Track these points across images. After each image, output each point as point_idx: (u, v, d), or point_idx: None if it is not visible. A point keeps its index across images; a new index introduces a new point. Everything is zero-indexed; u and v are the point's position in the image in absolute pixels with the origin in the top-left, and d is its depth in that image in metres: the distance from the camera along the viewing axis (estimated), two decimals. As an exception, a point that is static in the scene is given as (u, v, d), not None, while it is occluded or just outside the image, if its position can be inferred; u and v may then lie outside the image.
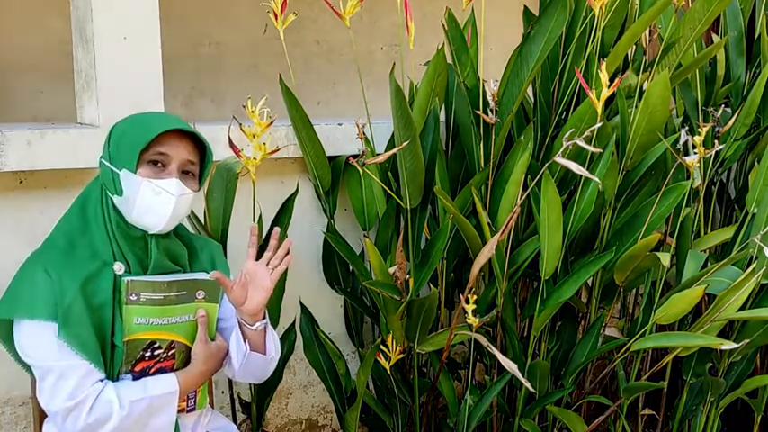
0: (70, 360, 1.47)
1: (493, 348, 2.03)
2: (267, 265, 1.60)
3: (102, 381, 1.51)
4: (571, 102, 2.30)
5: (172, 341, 1.58)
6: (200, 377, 1.61)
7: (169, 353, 1.58)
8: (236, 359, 1.63)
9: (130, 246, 1.56)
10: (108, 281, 1.52)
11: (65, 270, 1.49)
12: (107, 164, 1.54)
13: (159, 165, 1.53)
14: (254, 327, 1.60)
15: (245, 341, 1.61)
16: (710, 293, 2.15)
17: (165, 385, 1.56)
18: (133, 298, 1.52)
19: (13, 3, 3.12)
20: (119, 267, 1.54)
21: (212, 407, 1.83)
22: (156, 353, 1.56)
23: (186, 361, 1.61)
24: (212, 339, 1.63)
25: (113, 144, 1.55)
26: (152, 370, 1.57)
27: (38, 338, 1.48)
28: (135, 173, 1.51)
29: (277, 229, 1.64)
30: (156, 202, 1.52)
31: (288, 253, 1.63)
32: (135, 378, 1.55)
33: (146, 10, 2.03)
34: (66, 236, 1.55)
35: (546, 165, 1.98)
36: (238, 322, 1.61)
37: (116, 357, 1.53)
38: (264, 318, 1.62)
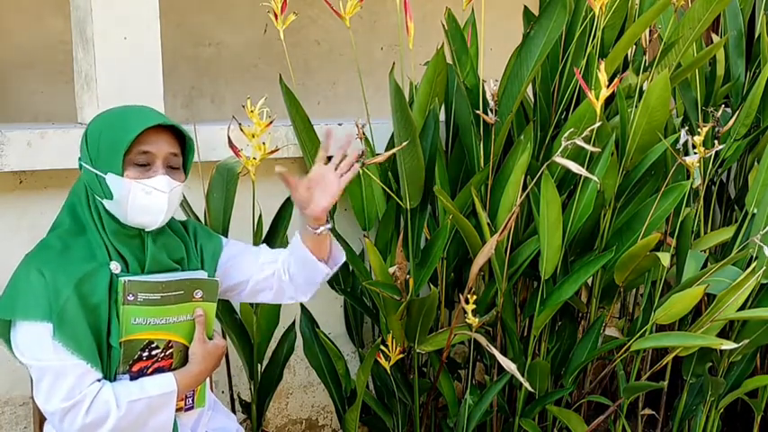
0: (67, 360, 1.47)
1: (492, 348, 2.03)
2: (336, 170, 1.61)
3: (99, 381, 1.50)
4: (571, 102, 2.30)
5: (169, 341, 1.57)
6: (199, 376, 1.61)
7: (167, 352, 1.57)
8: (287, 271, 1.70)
9: (127, 245, 1.55)
10: (104, 280, 1.51)
11: (59, 270, 1.48)
12: (90, 168, 1.52)
13: (144, 163, 1.52)
14: (318, 230, 1.64)
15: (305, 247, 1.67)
16: (710, 293, 2.15)
17: (163, 385, 1.55)
18: (131, 298, 1.51)
19: (13, 3, 3.12)
20: (115, 266, 1.53)
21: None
22: (153, 353, 1.56)
23: (184, 360, 1.60)
24: (210, 338, 1.62)
25: (92, 146, 1.53)
26: (150, 370, 1.56)
27: (34, 339, 1.48)
28: (121, 176, 1.50)
29: (351, 135, 1.65)
30: (149, 201, 1.52)
31: (358, 161, 1.66)
32: (132, 378, 1.54)
33: (146, 10, 2.03)
34: (60, 238, 1.54)
35: (545, 164, 1.98)
36: (300, 232, 1.67)
37: (113, 357, 1.52)
38: (328, 222, 1.66)
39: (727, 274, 2.11)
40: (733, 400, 2.43)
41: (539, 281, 2.21)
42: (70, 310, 1.47)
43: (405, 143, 2.05)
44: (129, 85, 2.02)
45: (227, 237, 2.08)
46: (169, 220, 1.63)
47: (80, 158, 1.57)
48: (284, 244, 2.18)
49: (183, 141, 1.59)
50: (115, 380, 1.53)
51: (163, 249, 1.59)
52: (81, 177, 1.58)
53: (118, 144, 1.49)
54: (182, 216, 1.99)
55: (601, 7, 2.07)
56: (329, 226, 1.66)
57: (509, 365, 1.98)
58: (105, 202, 1.53)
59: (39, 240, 1.59)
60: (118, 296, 1.51)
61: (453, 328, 2.11)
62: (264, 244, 1.84)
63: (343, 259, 1.75)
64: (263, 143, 2.02)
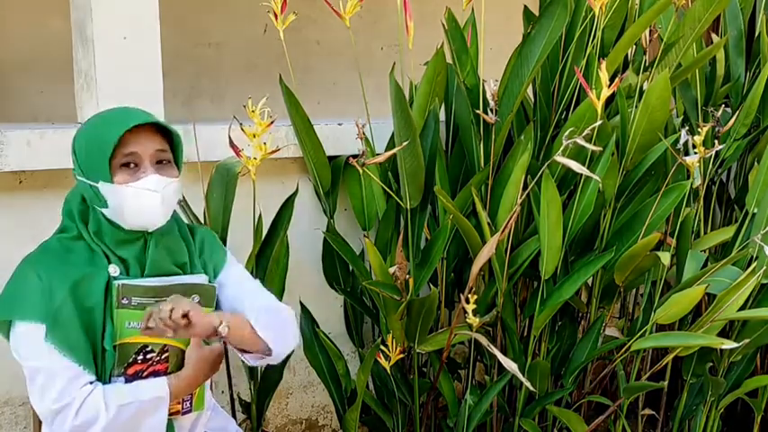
0: (58, 362, 1.47)
1: (493, 348, 2.03)
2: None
3: (91, 383, 1.50)
4: (571, 101, 2.30)
5: (165, 345, 1.56)
6: (194, 382, 1.59)
7: (162, 356, 1.56)
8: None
9: (129, 248, 1.55)
10: (101, 283, 1.51)
11: (56, 272, 1.48)
12: (82, 179, 1.52)
13: (132, 165, 1.51)
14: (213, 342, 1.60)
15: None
16: (710, 293, 2.15)
17: (155, 390, 1.54)
18: (125, 302, 1.50)
19: (13, 3, 3.12)
20: (114, 269, 1.52)
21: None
22: (148, 356, 1.55)
23: (181, 364, 1.59)
24: (207, 343, 1.62)
25: (80, 157, 1.52)
26: (145, 373, 1.55)
27: (28, 340, 1.48)
28: (111, 182, 1.49)
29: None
30: (143, 203, 1.50)
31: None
32: (128, 381, 1.54)
33: (146, 10, 2.03)
34: (61, 241, 1.54)
35: (546, 164, 1.98)
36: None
37: (107, 360, 1.52)
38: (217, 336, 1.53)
39: (727, 274, 2.11)
40: (733, 400, 2.42)
41: (539, 281, 2.21)
42: (65, 313, 1.46)
43: (405, 143, 2.04)
44: (129, 85, 2.02)
45: (226, 237, 2.09)
46: (177, 223, 1.62)
47: (73, 169, 1.56)
48: (284, 244, 2.18)
49: (169, 137, 1.57)
50: (110, 382, 1.53)
51: (165, 253, 1.58)
52: (75, 187, 1.57)
53: (101, 151, 1.48)
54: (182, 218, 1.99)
55: (601, 7, 2.07)
56: (216, 338, 1.55)
57: (510, 365, 1.98)
58: (104, 211, 1.52)
59: (39, 240, 1.59)
60: (112, 299, 1.50)
61: (453, 328, 2.10)
62: (257, 287, 1.76)
63: (280, 351, 1.64)
64: (264, 143, 2.02)
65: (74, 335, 1.47)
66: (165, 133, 1.56)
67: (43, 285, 1.47)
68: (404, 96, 2.04)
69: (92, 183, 1.50)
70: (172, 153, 1.57)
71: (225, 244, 2.07)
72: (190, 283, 1.58)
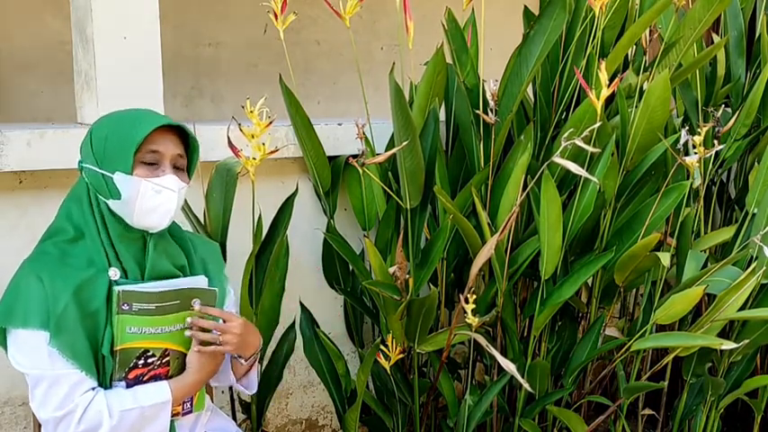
0: (62, 369, 1.46)
1: (491, 348, 2.03)
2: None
3: (93, 389, 1.50)
4: (571, 102, 2.30)
5: (166, 349, 1.56)
6: (194, 385, 1.59)
7: (163, 360, 1.56)
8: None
9: (128, 249, 1.54)
10: (103, 287, 1.50)
11: (58, 277, 1.47)
12: (96, 169, 1.52)
13: (153, 163, 1.52)
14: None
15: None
16: (710, 293, 2.15)
17: (157, 395, 1.54)
18: (125, 308, 1.49)
19: (13, 3, 3.12)
20: (114, 273, 1.52)
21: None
22: (149, 361, 1.54)
23: (182, 367, 1.59)
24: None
25: (98, 148, 1.52)
26: (146, 377, 1.55)
27: (30, 347, 1.47)
28: (131, 174, 1.49)
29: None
30: (159, 200, 1.51)
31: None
32: (129, 385, 1.53)
33: (146, 10, 2.03)
34: (57, 245, 1.53)
35: (545, 164, 1.98)
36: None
37: (107, 365, 1.52)
38: (250, 359, 1.70)
39: (727, 274, 2.11)
40: (733, 400, 2.42)
41: (539, 281, 2.21)
42: (68, 318, 1.46)
43: (405, 143, 2.04)
44: (129, 85, 2.02)
45: (226, 237, 2.09)
46: (171, 227, 1.63)
47: (80, 161, 1.56)
48: (284, 244, 2.18)
49: (186, 144, 1.59)
50: (111, 387, 1.53)
51: (164, 255, 1.58)
52: (80, 181, 1.57)
53: (128, 143, 1.49)
54: (183, 220, 1.99)
55: (601, 7, 2.07)
56: (244, 362, 1.69)
57: (508, 366, 1.97)
58: (111, 203, 1.52)
59: (38, 241, 1.59)
60: (113, 305, 1.50)
61: (453, 328, 2.10)
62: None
63: (252, 391, 1.78)
64: (263, 143, 2.02)
65: (77, 340, 1.47)
66: (184, 140, 1.58)
67: (46, 290, 1.46)
68: (404, 96, 2.04)
69: (106, 173, 1.50)
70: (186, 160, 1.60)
71: (225, 244, 2.08)
72: (192, 288, 1.58)
